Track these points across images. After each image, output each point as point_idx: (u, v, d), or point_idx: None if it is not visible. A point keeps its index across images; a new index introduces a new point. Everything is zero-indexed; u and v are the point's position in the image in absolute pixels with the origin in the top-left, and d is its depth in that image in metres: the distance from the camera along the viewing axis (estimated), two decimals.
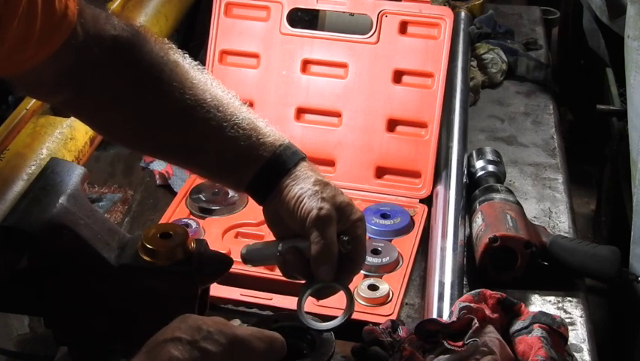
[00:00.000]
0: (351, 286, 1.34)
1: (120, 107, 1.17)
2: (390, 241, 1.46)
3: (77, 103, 1.18)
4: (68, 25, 1.07)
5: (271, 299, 1.31)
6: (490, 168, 1.57)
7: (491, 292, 1.23)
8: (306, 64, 1.64)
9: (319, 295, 1.17)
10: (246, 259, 1.22)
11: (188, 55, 1.21)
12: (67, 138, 1.45)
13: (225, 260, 1.17)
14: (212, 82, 1.20)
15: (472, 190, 1.52)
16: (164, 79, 1.15)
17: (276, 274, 1.28)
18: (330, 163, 1.62)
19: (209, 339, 0.93)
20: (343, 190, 1.56)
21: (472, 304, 1.19)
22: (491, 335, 1.16)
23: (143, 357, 0.91)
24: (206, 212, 1.52)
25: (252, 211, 1.49)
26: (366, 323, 1.26)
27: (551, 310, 1.34)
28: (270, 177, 1.17)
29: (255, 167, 1.17)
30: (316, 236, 1.14)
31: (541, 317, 1.20)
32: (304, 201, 1.15)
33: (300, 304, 1.15)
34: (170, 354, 0.90)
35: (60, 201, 1.13)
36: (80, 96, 1.15)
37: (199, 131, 1.16)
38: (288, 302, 1.29)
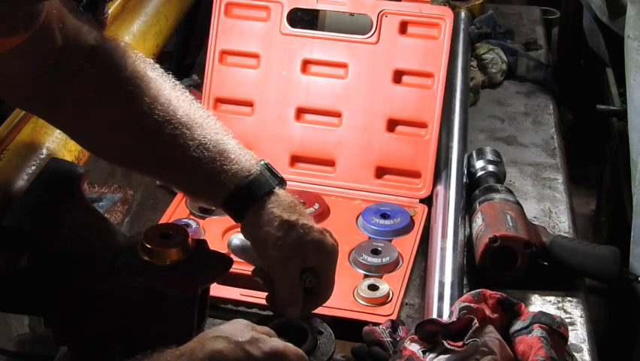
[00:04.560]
0: (351, 286, 1.35)
1: (93, 118, 1.17)
2: (390, 241, 1.46)
3: (53, 110, 1.18)
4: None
5: None
6: (490, 168, 1.57)
7: (491, 292, 1.23)
8: (306, 64, 1.64)
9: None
10: (235, 251, 1.25)
11: (172, 74, 1.22)
12: (67, 138, 1.44)
13: (225, 260, 1.17)
14: (190, 101, 1.20)
15: (472, 190, 1.52)
16: (137, 93, 1.15)
17: None
18: (330, 163, 1.62)
19: (254, 344, 1.03)
20: (343, 190, 1.58)
21: (472, 305, 1.18)
22: (491, 335, 1.16)
23: (194, 345, 1.01)
24: (206, 212, 1.52)
25: None
26: (366, 323, 1.26)
27: (551, 310, 1.34)
28: (236, 211, 1.18)
29: (221, 194, 1.18)
30: (279, 281, 1.18)
31: (541, 317, 1.20)
32: (267, 247, 1.16)
33: None
34: (216, 348, 1.01)
35: (60, 201, 1.13)
36: (56, 103, 1.16)
37: (166, 147, 1.16)
38: None
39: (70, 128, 1.22)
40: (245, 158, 1.18)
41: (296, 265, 1.17)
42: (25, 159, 1.36)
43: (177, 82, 1.22)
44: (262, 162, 1.20)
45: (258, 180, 1.17)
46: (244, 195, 1.17)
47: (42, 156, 1.38)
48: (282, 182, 1.20)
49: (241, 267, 1.31)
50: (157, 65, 1.22)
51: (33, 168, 1.35)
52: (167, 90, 1.19)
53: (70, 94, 1.15)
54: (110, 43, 1.17)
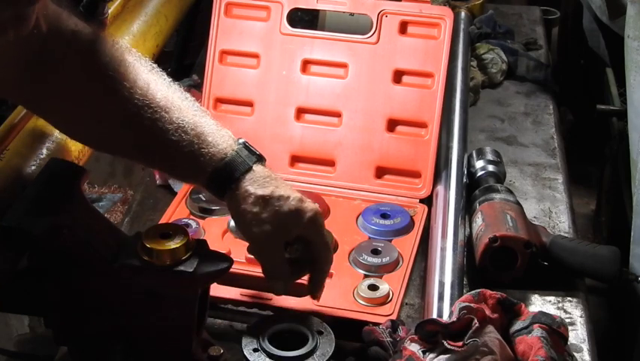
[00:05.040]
0: (351, 286, 1.34)
1: (75, 103, 1.18)
2: (390, 241, 1.46)
3: (37, 98, 1.18)
4: None
5: (271, 299, 1.31)
6: (490, 168, 1.57)
7: (491, 292, 1.23)
8: (306, 64, 1.64)
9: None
10: (233, 230, 1.35)
11: (148, 58, 1.23)
12: (67, 138, 1.44)
13: (225, 260, 1.17)
14: (169, 85, 1.21)
15: (472, 190, 1.52)
16: (116, 78, 1.16)
17: None
18: (330, 163, 1.62)
19: None
20: (343, 190, 1.58)
21: (472, 305, 1.18)
22: (491, 335, 1.16)
23: None
24: (206, 212, 1.52)
25: None
26: (366, 323, 1.26)
27: (551, 310, 1.34)
28: (217, 192, 1.19)
29: (202, 177, 1.18)
30: (261, 257, 1.20)
31: (541, 317, 1.20)
32: (244, 224, 1.17)
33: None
34: None
35: (60, 201, 1.13)
36: (40, 90, 1.16)
37: (146, 132, 1.17)
38: (288, 302, 1.29)
39: (52, 114, 1.22)
40: (222, 139, 1.19)
41: (276, 238, 1.18)
42: (25, 159, 1.36)
43: (154, 65, 1.22)
44: (240, 141, 1.20)
45: (235, 161, 1.18)
46: (222, 176, 1.17)
47: (42, 156, 1.38)
48: (260, 159, 1.20)
49: (241, 267, 1.31)
50: (133, 50, 1.22)
51: (33, 168, 1.35)
52: (145, 74, 1.19)
53: (53, 79, 1.15)
54: (88, 29, 1.17)
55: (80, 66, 1.15)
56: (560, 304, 1.36)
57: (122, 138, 1.20)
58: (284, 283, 1.21)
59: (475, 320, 1.15)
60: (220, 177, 1.17)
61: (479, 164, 1.57)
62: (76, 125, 1.22)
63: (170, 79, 1.23)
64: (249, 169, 1.18)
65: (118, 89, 1.15)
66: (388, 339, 1.21)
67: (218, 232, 1.47)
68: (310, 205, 1.20)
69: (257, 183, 1.18)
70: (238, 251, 1.34)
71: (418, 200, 1.56)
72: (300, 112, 1.63)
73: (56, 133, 1.44)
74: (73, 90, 1.17)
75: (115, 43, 1.19)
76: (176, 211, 1.53)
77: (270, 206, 1.17)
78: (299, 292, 1.28)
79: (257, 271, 1.35)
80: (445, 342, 1.15)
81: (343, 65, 1.62)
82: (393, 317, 1.29)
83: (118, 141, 1.21)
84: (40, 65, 1.13)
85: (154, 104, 1.16)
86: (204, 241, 1.18)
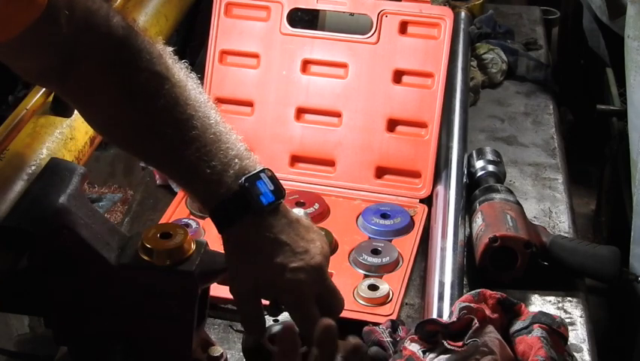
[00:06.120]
0: (351, 286, 1.35)
1: (106, 108, 1.13)
2: (390, 241, 1.46)
3: (69, 92, 1.15)
4: (38, 8, 1.02)
5: None
6: (490, 168, 1.57)
7: (491, 292, 1.23)
8: (306, 64, 1.64)
9: None
10: None
11: (186, 62, 1.17)
12: (67, 138, 1.44)
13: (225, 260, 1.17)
14: (212, 107, 1.14)
15: (472, 190, 1.52)
16: (153, 92, 1.10)
17: None
18: (330, 163, 1.62)
19: None
20: (343, 190, 1.58)
21: (472, 305, 1.18)
22: (491, 335, 1.16)
23: None
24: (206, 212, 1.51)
25: None
26: (366, 323, 1.26)
27: (551, 310, 1.34)
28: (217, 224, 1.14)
29: (207, 207, 1.14)
30: (238, 309, 1.15)
31: (541, 317, 1.20)
32: (230, 273, 1.13)
33: None
34: None
35: (60, 201, 1.13)
36: (67, 87, 1.13)
37: (176, 162, 1.12)
38: None
39: (87, 113, 1.18)
40: (238, 166, 1.12)
41: (249, 296, 1.12)
42: (25, 159, 1.36)
43: (190, 71, 1.16)
44: (244, 183, 1.11)
45: (236, 200, 1.11)
46: (218, 218, 1.13)
47: (42, 156, 1.38)
48: (258, 211, 1.11)
49: None
50: (170, 51, 1.16)
51: (33, 168, 1.35)
52: (185, 90, 1.13)
53: (80, 79, 1.10)
54: (126, 32, 1.10)
55: (110, 73, 1.10)
56: (560, 304, 1.36)
57: (160, 158, 1.15)
58: (258, 337, 1.15)
59: (475, 320, 1.15)
60: (221, 215, 1.12)
61: (479, 164, 1.57)
62: (113, 135, 1.17)
63: (210, 100, 1.15)
64: (248, 215, 1.11)
65: (159, 104, 1.10)
66: (388, 339, 1.21)
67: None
68: (289, 275, 1.10)
69: (252, 232, 1.11)
70: None
71: (418, 200, 1.56)
72: (300, 112, 1.63)
73: (57, 133, 1.44)
74: (103, 95, 1.11)
75: (154, 49, 1.12)
76: (176, 211, 1.53)
77: (253, 262, 1.11)
78: None
79: None
80: (445, 342, 1.15)
81: (343, 65, 1.63)
82: (393, 317, 1.29)
83: (156, 157, 1.16)
84: (64, 67, 1.09)
85: (196, 138, 1.10)
86: (204, 241, 1.18)
